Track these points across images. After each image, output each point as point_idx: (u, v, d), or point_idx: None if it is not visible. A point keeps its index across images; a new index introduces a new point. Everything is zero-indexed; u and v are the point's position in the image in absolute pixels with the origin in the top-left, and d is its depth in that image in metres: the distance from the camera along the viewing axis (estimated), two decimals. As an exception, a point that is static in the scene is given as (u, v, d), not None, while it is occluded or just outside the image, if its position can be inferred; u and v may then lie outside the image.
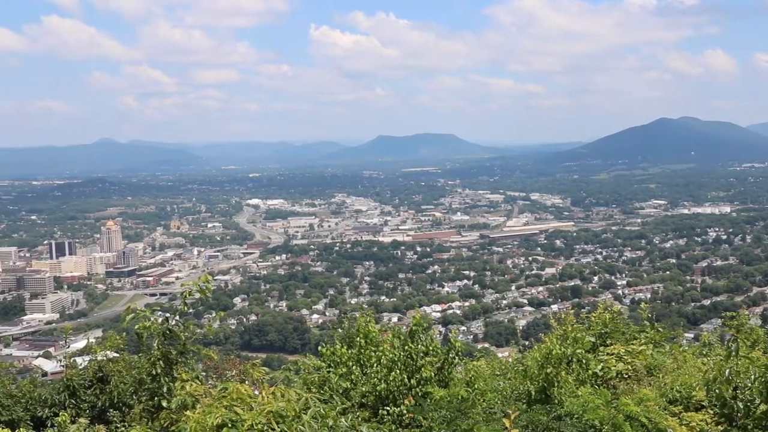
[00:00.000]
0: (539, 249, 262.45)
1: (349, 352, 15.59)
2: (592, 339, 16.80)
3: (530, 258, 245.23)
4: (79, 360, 17.88)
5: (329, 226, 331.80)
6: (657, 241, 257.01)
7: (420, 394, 14.07)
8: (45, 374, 73.86)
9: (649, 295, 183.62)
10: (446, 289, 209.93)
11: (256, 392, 9.27)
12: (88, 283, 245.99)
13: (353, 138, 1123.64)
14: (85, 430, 12.27)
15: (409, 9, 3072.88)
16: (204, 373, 13.85)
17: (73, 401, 16.31)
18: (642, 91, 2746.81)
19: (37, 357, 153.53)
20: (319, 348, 15.95)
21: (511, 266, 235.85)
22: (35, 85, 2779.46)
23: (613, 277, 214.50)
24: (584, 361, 14.98)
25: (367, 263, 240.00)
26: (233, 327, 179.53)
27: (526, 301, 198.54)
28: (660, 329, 18.67)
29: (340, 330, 18.03)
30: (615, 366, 15.74)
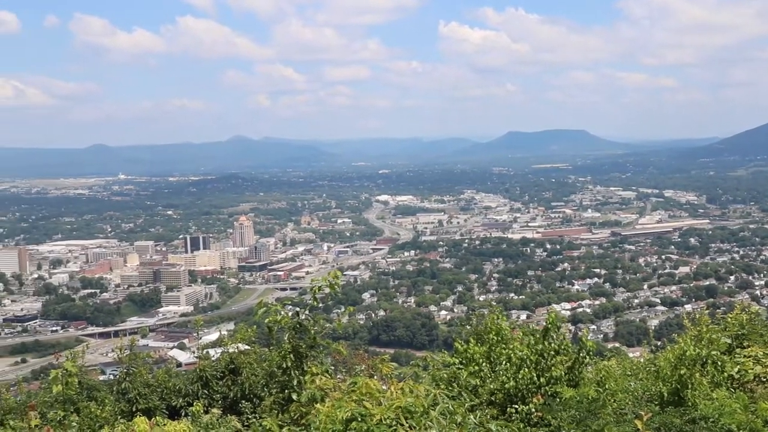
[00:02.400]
0: (673, 247, 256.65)
1: (481, 349, 15.48)
2: (728, 340, 16.22)
3: (663, 256, 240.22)
4: (211, 352, 18.26)
5: (458, 222, 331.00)
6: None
7: (549, 393, 13.87)
8: (179, 365, 75.99)
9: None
10: (576, 287, 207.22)
11: (385, 387, 9.28)
12: (221, 276, 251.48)
13: (483, 134, 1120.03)
14: (217, 420, 12.49)
15: (540, 3, 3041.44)
16: (333, 368, 13.94)
17: (206, 392, 16.66)
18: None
19: (172, 348, 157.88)
20: (455, 344, 15.87)
21: (643, 264, 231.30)
22: (172, 84, 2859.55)
23: (750, 277, 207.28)
24: (719, 363, 14.47)
25: (496, 260, 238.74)
26: (362, 322, 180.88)
27: (658, 300, 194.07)
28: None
29: (468, 327, 17.93)
30: (752, 369, 15.18)
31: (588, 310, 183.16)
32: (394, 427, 8.05)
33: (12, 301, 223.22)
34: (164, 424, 11.53)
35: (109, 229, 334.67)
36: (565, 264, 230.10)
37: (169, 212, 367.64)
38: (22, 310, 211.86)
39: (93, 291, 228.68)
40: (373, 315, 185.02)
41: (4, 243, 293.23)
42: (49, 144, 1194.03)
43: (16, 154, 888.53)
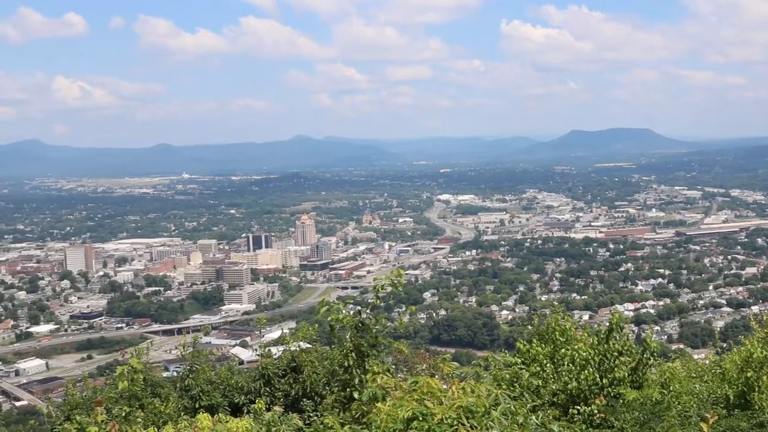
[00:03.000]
0: (739, 247, 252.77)
1: (545, 349, 15.38)
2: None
3: (729, 257, 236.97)
4: (273, 350, 18.38)
5: (520, 221, 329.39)
6: None
7: (612, 395, 13.72)
8: (241, 362, 76.65)
9: None
10: (639, 287, 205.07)
11: (446, 387, 9.25)
12: (283, 275, 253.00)
13: (545, 133, 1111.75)
14: (279, 417, 12.56)
15: (603, 1, 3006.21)
16: (394, 367, 13.96)
17: (268, 389, 16.77)
18: None
19: (234, 346, 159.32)
20: (516, 344, 15.79)
21: (708, 265, 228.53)
22: (235, 84, 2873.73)
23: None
24: (789, 366, 14.23)
25: (558, 260, 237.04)
26: (423, 321, 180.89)
27: (724, 301, 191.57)
28: None
29: (530, 327, 17.83)
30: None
31: (652, 311, 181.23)
32: (455, 427, 8.02)
33: (78, 298, 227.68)
34: (227, 421, 11.64)
35: (173, 228, 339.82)
36: (629, 264, 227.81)
37: (232, 211, 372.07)
38: (88, 307, 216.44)
39: (157, 289, 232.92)
40: (434, 314, 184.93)
41: (72, 241, 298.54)
42: (114, 144, 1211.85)
43: (82, 154, 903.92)
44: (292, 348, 17.57)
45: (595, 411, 13.06)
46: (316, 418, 14.05)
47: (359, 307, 13.23)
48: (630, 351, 14.61)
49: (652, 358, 14.82)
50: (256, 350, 18.69)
